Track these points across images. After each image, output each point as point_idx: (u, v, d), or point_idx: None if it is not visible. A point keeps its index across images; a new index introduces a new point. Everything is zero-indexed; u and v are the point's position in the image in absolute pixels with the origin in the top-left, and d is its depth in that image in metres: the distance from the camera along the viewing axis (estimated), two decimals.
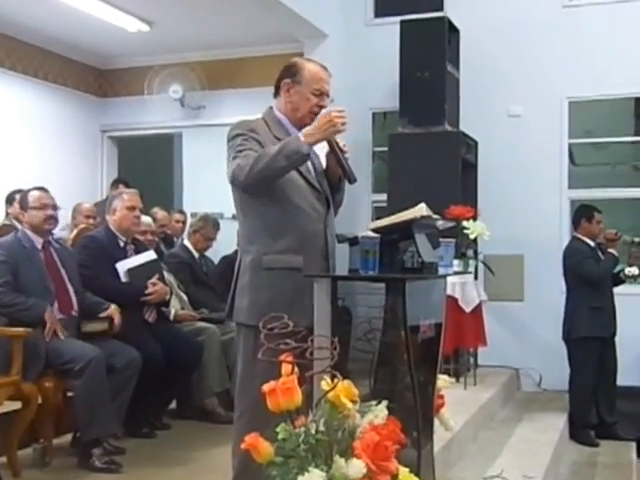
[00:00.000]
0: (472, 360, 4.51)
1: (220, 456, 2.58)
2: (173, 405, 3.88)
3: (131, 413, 3.32)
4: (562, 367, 4.39)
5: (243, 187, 2.10)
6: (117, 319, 3.18)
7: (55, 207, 3.15)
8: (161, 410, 3.68)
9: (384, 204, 5.04)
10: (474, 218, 4.29)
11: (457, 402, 2.73)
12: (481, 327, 4.36)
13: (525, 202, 5.06)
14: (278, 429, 1.49)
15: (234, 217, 5.49)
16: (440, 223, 2.15)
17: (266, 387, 1.49)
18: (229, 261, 4.63)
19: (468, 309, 4.12)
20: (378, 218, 5.61)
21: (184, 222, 5.43)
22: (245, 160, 2.05)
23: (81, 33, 5.71)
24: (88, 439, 2.93)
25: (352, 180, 2.18)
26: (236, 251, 4.68)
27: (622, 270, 4.25)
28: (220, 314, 4.11)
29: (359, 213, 5.40)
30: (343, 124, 2.05)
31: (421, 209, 1.95)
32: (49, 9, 5.13)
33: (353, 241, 2.03)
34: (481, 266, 4.67)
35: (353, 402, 1.51)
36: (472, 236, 4.11)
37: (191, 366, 3.61)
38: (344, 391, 1.47)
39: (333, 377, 1.50)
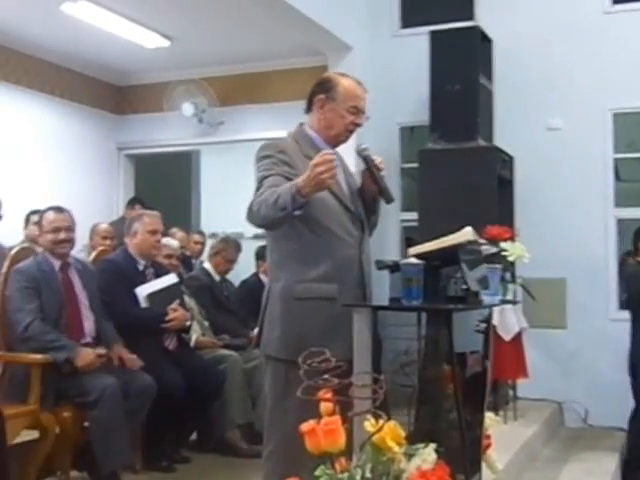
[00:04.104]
0: (511, 392, 4.41)
1: None
2: (193, 437, 3.84)
3: (150, 445, 3.30)
4: (610, 401, 4.21)
5: (257, 227, 2.11)
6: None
7: (70, 229, 3.16)
8: (181, 442, 3.64)
9: (414, 223, 5.01)
10: (512, 239, 4.21)
11: (497, 439, 2.64)
12: (522, 357, 4.24)
13: (567, 221, 4.96)
14: (318, 472, 1.45)
15: (255, 237, 5.58)
16: (484, 248, 2.11)
17: (304, 427, 1.45)
18: (249, 285, 4.64)
19: (508, 337, 4.03)
20: (408, 238, 5.59)
21: (203, 243, 5.44)
22: (257, 197, 2.03)
23: (98, 50, 5.79)
24: (105, 472, 2.92)
25: (389, 200, 2.15)
26: (254, 274, 4.76)
27: None
28: (242, 340, 4.10)
29: (387, 233, 5.36)
30: (331, 177, 1.89)
31: (467, 233, 1.91)
32: (67, 27, 5.21)
33: (394, 268, 1.98)
34: (519, 290, 4.57)
35: (399, 445, 1.46)
36: (511, 258, 4.03)
37: (213, 396, 3.58)
38: (390, 433, 1.42)
39: (377, 417, 1.45)
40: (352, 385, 1.50)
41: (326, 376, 1.51)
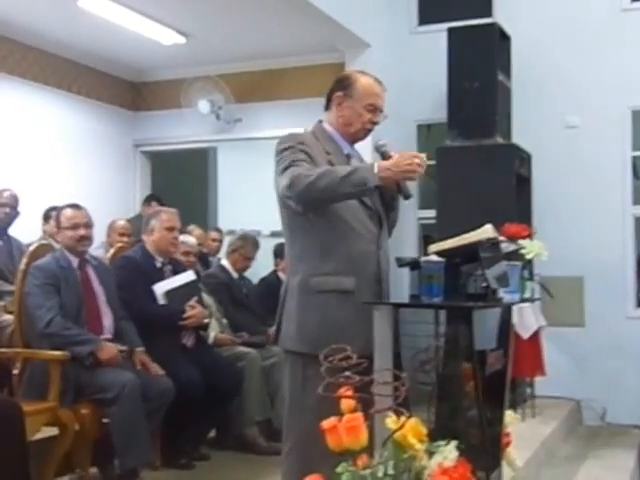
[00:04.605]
0: (529, 390, 4.40)
1: None
2: (212, 434, 3.85)
3: (169, 443, 3.32)
4: (628, 399, 4.23)
5: (297, 199, 2.03)
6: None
7: (88, 225, 3.17)
8: (200, 440, 3.66)
9: (431, 221, 5.00)
10: (530, 237, 4.20)
11: (516, 436, 2.65)
12: (540, 355, 4.24)
13: (585, 220, 4.94)
14: (339, 469, 1.45)
15: (272, 234, 5.57)
16: (504, 245, 2.10)
17: (326, 424, 1.45)
18: (267, 283, 4.65)
19: (526, 335, 4.02)
20: (426, 236, 5.57)
21: (220, 241, 5.46)
22: (307, 171, 2.01)
23: (114, 46, 5.82)
24: (125, 469, 2.93)
25: (407, 196, 2.16)
26: (273, 272, 4.77)
27: None
28: (261, 337, 4.11)
29: (405, 231, 5.34)
30: (417, 176, 1.99)
31: (487, 231, 1.90)
32: (83, 23, 5.25)
33: (414, 265, 1.98)
34: (537, 288, 4.55)
35: (421, 442, 1.47)
36: (529, 256, 4.01)
37: (231, 394, 3.58)
38: (412, 430, 1.43)
39: (398, 414, 1.46)
40: (373, 382, 1.51)
41: (347, 373, 1.51)
